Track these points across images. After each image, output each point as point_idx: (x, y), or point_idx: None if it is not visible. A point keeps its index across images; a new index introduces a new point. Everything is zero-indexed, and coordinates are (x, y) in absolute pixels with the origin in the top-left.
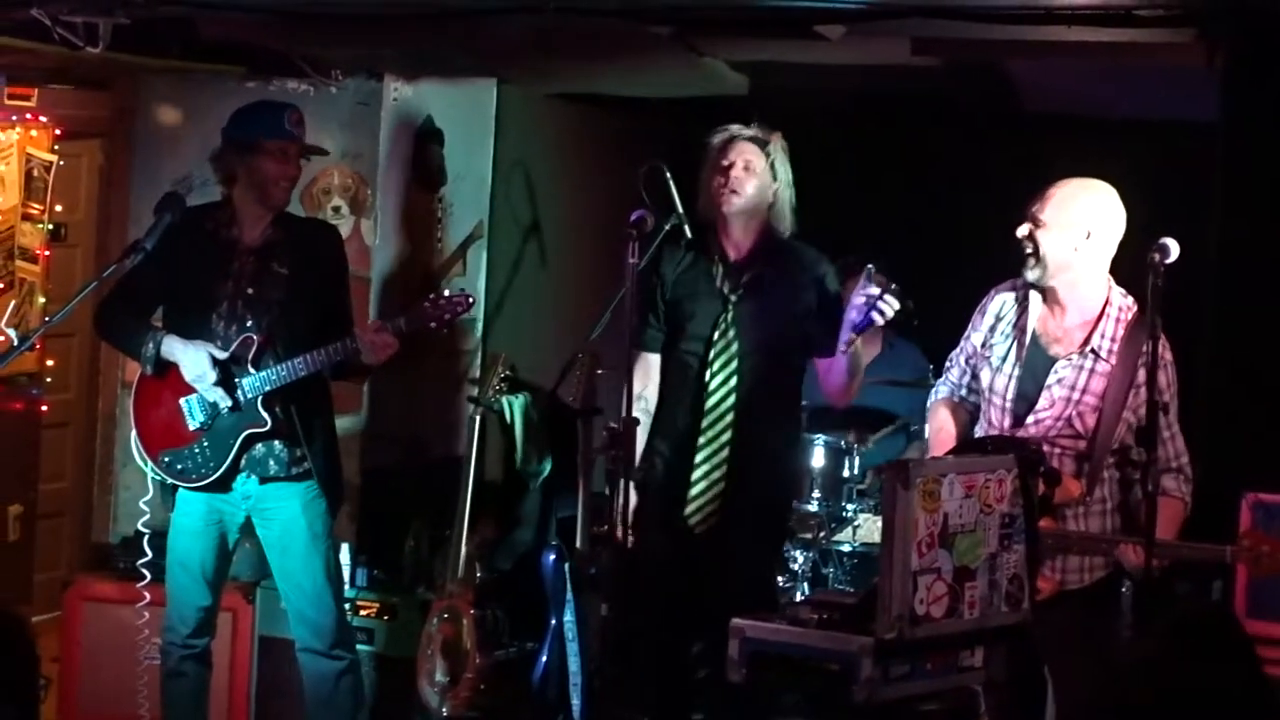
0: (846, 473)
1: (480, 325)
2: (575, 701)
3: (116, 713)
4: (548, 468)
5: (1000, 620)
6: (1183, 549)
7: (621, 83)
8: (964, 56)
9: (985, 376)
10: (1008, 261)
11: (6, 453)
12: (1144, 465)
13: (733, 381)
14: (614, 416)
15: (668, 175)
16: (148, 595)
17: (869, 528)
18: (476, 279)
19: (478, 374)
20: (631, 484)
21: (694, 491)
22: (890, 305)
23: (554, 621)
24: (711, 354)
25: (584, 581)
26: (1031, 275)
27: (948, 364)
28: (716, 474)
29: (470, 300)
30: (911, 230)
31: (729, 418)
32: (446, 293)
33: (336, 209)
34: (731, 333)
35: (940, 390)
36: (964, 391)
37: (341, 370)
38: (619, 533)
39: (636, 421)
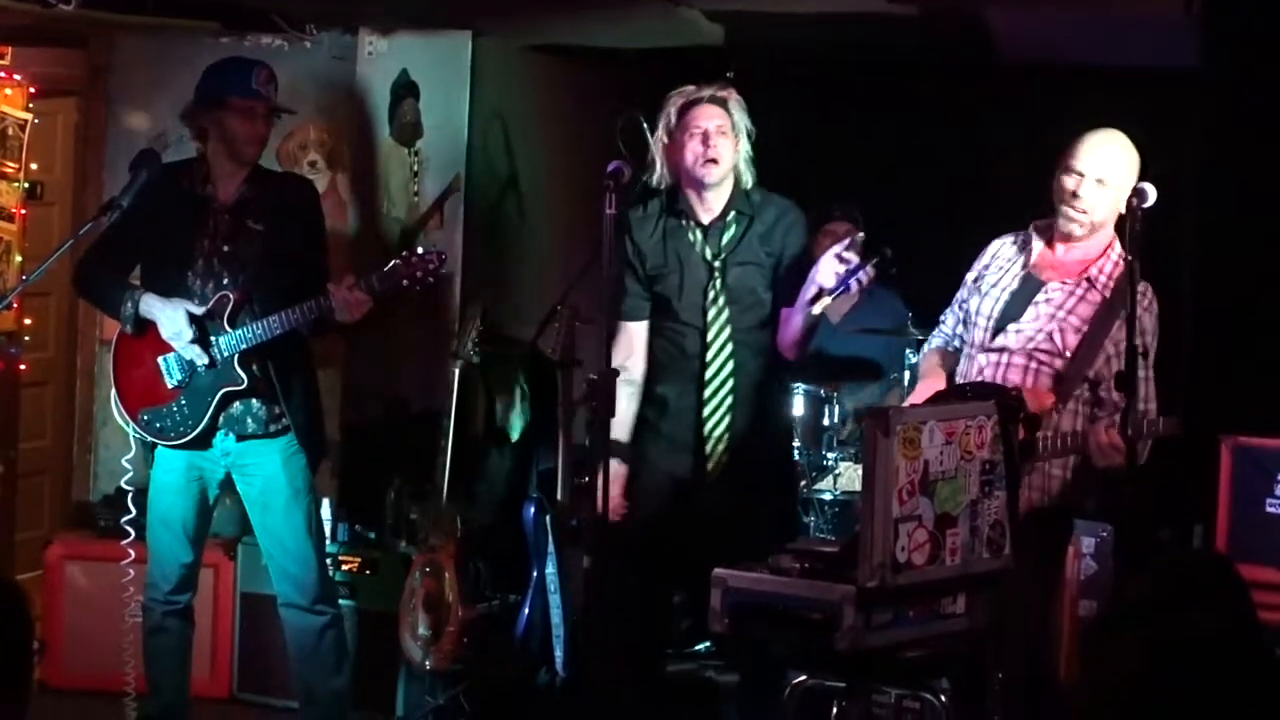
0: (827, 421)
1: (458, 279)
2: (558, 653)
3: (99, 670)
4: (527, 420)
5: (982, 567)
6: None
7: (598, 34)
8: (941, 4)
9: (974, 303)
10: (985, 208)
11: None
12: (1124, 410)
13: (729, 349)
14: (594, 368)
15: (645, 126)
16: (131, 553)
17: (850, 476)
18: (454, 232)
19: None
20: (615, 459)
21: (710, 465)
22: (868, 276)
23: (536, 574)
24: (708, 323)
25: (565, 533)
26: (1078, 230)
27: (941, 317)
28: (724, 440)
29: (443, 258)
30: (889, 179)
31: (731, 382)
32: (420, 250)
33: (313, 164)
34: (723, 299)
35: (934, 340)
36: (957, 343)
37: (318, 327)
38: (600, 504)
39: (616, 373)
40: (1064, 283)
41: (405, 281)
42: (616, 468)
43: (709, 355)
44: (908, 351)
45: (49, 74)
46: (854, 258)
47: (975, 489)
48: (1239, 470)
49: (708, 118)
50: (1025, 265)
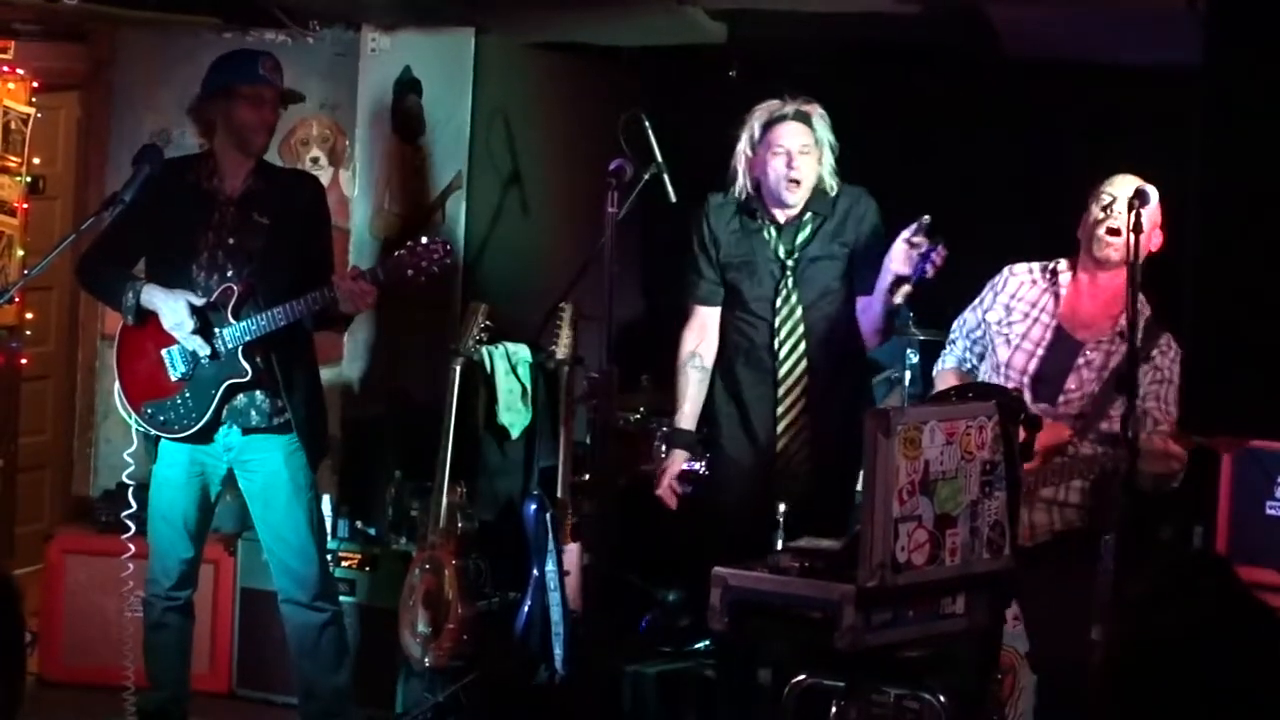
0: None
1: (460, 275)
2: (557, 650)
3: (99, 664)
4: (528, 417)
5: (982, 567)
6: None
7: (601, 32)
8: (945, 1)
9: (1003, 353)
10: (988, 206)
11: None
12: (1124, 414)
13: (802, 345)
14: (595, 366)
15: (647, 124)
16: (131, 547)
17: None
18: (456, 229)
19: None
20: (678, 448)
21: (780, 457)
22: (940, 256)
23: (536, 571)
24: (777, 317)
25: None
26: (1114, 255)
27: (951, 335)
28: (796, 435)
29: (448, 248)
30: (892, 180)
31: (804, 380)
32: (424, 240)
33: (315, 160)
34: (795, 296)
35: (948, 360)
36: (968, 365)
37: (321, 320)
38: (661, 489)
39: (616, 371)
40: (1099, 342)
41: (410, 271)
42: (678, 455)
43: (781, 350)
44: (908, 351)
45: (51, 68)
46: (923, 241)
47: (975, 489)
48: (1239, 472)
49: (792, 137)
50: (1053, 314)
